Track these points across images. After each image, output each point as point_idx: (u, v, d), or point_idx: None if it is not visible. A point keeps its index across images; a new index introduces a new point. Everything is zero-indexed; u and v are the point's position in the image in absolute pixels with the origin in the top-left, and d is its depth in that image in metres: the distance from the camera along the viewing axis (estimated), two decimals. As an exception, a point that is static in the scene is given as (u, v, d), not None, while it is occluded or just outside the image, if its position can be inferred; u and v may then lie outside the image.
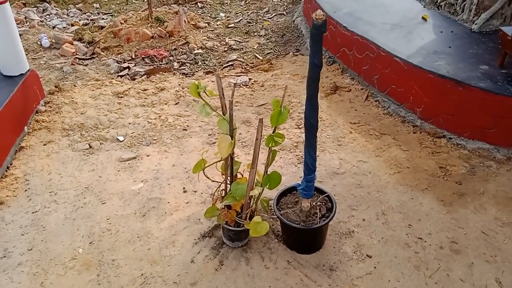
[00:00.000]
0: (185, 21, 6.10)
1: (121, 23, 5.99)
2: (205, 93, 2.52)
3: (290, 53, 5.56)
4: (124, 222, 3.01)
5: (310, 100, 2.45)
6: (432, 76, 3.76)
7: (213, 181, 2.77)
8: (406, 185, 3.27)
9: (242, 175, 2.79)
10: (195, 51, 5.63)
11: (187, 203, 3.18)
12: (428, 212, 3.03)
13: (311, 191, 2.68)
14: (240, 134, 3.94)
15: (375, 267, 2.64)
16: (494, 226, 2.89)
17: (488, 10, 4.41)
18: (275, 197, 2.82)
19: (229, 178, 2.71)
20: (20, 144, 3.78)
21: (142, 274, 2.63)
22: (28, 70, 4.15)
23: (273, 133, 2.57)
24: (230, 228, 2.71)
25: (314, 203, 2.72)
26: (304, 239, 2.73)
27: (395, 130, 3.90)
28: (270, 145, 2.57)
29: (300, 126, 3.97)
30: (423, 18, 4.81)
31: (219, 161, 2.65)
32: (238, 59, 5.50)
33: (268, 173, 2.68)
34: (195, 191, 3.28)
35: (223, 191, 2.77)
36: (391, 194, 3.19)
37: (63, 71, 5.14)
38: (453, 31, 4.48)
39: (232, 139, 2.50)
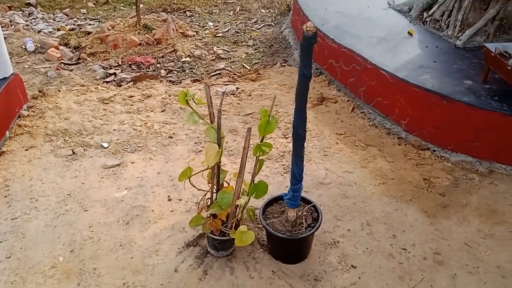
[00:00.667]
0: (173, 29, 6.09)
1: (109, 29, 5.95)
2: (194, 101, 2.51)
3: (278, 64, 5.59)
4: (107, 230, 2.95)
5: (299, 110, 2.46)
6: (417, 90, 3.82)
7: (199, 189, 2.74)
8: (390, 196, 3.29)
9: (229, 184, 2.77)
10: (182, 59, 5.62)
11: (172, 211, 3.14)
12: (412, 223, 3.05)
13: (298, 201, 2.67)
14: (226, 142, 3.92)
15: (359, 278, 2.64)
16: (476, 238, 2.93)
17: (472, 27, 4.52)
18: (261, 206, 2.81)
19: (215, 186, 2.69)
20: (1, 148, 3.69)
21: (124, 284, 2.57)
22: (12, 74, 4.08)
23: (260, 142, 2.57)
24: (215, 237, 2.68)
25: (300, 213, 2.71)
26: (290, 249, 2.72)
27: (381, 142, 3.94)
28: (257, 155, 2.57)
29: (287, 136, 3.98)
30: (409, 33, 4.90)
31: (205, 169, 2.63)
32: (226, 68, 5.51)
33: (255, 182, 2.67)
34: (180, 200, 3.25)
35: (209, 200, 2.75)
36: (376, 205, 3.21)
37: (47, 76, 5.07)
38: (438, 46, 4.58)
39: (219, 148, 2.49)
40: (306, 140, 3.91)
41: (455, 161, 3.64)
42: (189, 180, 2.61)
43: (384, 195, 3.30)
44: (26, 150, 3.74)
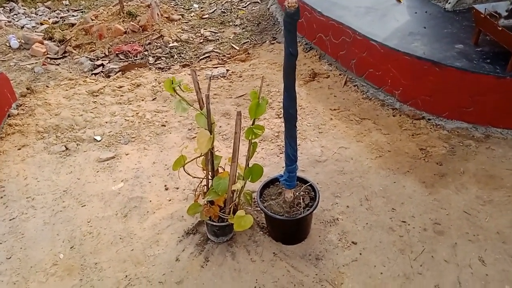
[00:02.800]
0: (158, 14, 5.97)
1: (92, 20, 5.83)
2: (180, 88, 2.46)
3: (267, 42, 5.50)
4: (106, 224, 2.95)
5: (288, 90, 2.41)
6: (408, 58, 3.75)
7: (194, 177, 2.72)
8: (388, 169, 3.27)
9: (224, 169, 2.75)
10: (170, 45, 5.53)
11: (170, 200, 3.13)
12: (410, 194, 3.04)
13: (294, 181, 2.65)
14: (220, 127, 3.88)
15: (360, 254, 2.64)
16: (475, 205, 2.92)
17: (461, -12, 4.42)
18: (258, 189, 2.79)
19: (210, 173, 2.67)
20: (-7, 150, 3.66)
21: (126, 276, 2.58)
22: (-3, 73, 4.02)
23: (252, 125, 2.53)
24: (214, 223, 2.67)
25: (297, 193, 2.70)
26: (289, 230, 2.71)
27: (375, 114, 3.90)
28: (250, 138, 2.53)
29: (281, 116, 3.94)
30: None
31: (199, 156, 2.61)
32: (215, 51, 5.43)
33: (250, 165, 2.65)
34: (177, 188, 3.23)
35: (205, 187, 2.73)
36: (373, 179, 3.19)
37: (34, 72, 4.99)
38: (427, 11, 4.49)
39: (211, 134, 2.46)
40: (300, 118, 3.89)
41: (451, 129, 3.61)
42: (184, 169, 2.59)
43: (381, 168, 3.29)
44: (19, 149, 3.70)
